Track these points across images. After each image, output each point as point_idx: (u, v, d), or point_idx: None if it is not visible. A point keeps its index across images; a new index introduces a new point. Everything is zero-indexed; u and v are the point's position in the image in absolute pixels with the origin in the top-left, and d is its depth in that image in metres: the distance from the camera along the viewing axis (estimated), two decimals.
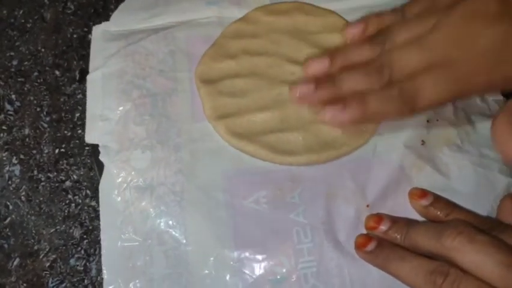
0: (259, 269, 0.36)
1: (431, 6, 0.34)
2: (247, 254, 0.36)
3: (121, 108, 0.41)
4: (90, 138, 0.41)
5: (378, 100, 0.33)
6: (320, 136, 0.39)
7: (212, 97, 0.41)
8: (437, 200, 0.36)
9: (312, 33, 0.43)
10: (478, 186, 0.38)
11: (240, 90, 0.41)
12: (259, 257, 0.36)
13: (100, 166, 0.39)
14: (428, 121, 0.40)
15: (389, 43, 0.34)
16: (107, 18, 0.46)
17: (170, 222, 0.37)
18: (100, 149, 0.40)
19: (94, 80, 0.42)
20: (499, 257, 0.28)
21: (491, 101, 0.42)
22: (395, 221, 0.35)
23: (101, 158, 0.39)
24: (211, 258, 0.36)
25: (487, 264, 0.28)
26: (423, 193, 0.36)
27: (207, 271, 0.36)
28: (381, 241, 0.34)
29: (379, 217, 0.35)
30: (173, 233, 0.37)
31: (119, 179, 0.38)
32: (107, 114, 0.41)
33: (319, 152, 0.38)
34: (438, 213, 0.35)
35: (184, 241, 0.36)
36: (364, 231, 0.36)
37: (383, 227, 0.34)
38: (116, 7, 0.46)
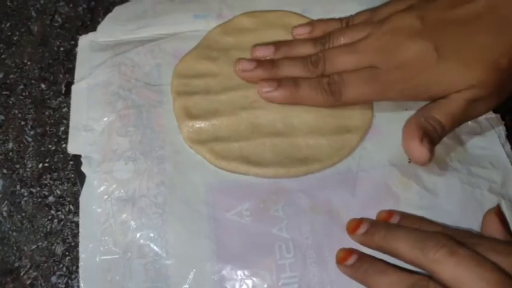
0: (240, 284, 0.35)
1: (368, 19, 0.40)
2: (228, 268, 0.35)
3: (105, 119, 0.40)
4: (72, 148, 0.40)
5: (309, 86, 0.38)
6: (289, 151, 0.38)
7: (183, 95, 0.40)
8: (405, 217, 0.35)
9: None
10: (466, 205, 0.37)
11: (214, 91, 0.40)
12: (241, 271, 0.35)
13: (82, 179, 0.38)
14: None
15: (328, 44, 0.40)
16: (94, 31, 0.45)
17: (152, 234, 0.36)
18: (82, 159, 0.39)
19: (78, 90, 0.42)
20: (479, 272, 0.28)
21: (483, 119, 0.41)
22: (374, 223, 0.35)
23: (83, 168, 0.38)
24: (192, 273, 0.35)
25: (466, 278, 0.28)
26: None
27: (187, 286, 0.35)
28: (361, 255, 0.34)
29: (359, 220, 0.35)
30: (154, 246, 0.36)
31: (101, 190, 0.37)
32: (91, 125, 0.40)
33: (288, 167, 0.37)
34: None
35: (165, 254, 0.35)
36: (347, 247, 0.35)
37: (361, 229, 0.34)
38: None
